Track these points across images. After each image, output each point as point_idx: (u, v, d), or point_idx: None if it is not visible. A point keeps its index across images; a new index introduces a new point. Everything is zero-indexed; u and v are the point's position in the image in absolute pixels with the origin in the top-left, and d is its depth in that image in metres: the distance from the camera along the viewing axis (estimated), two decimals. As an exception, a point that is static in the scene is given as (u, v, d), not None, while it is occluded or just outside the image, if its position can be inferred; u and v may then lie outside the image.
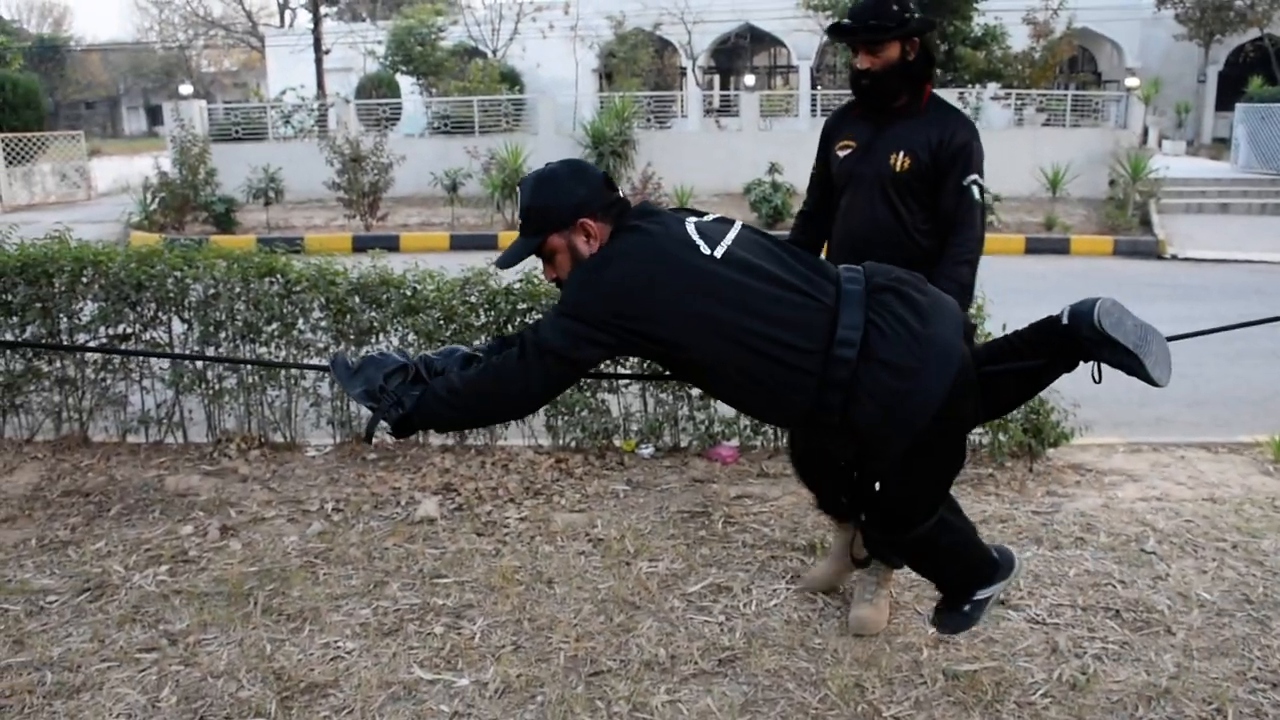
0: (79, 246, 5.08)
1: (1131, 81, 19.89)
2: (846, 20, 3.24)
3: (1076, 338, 2.56)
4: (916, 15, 3.24)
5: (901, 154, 3.23)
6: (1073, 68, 29.27)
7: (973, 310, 4.74)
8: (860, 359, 2.32)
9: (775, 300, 2.33)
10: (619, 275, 2.33)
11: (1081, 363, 2.61)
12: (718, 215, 2.52)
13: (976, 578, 2.83)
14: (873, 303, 2.38)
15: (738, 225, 2.48)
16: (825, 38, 23.42)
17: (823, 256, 3.50)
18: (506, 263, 2.54)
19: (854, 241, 3.31)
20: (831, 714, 2.90)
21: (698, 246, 2.36)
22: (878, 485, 2.61)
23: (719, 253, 2.36)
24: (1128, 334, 2.50)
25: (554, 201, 2.43)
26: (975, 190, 3.21)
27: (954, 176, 3.20)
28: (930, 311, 2.42)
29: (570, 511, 4.30)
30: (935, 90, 3.37)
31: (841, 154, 3.36)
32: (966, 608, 2.83)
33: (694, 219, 2.45)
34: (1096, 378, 2.63)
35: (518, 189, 2.54)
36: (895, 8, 3.17)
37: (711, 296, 2.31)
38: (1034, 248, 14.29)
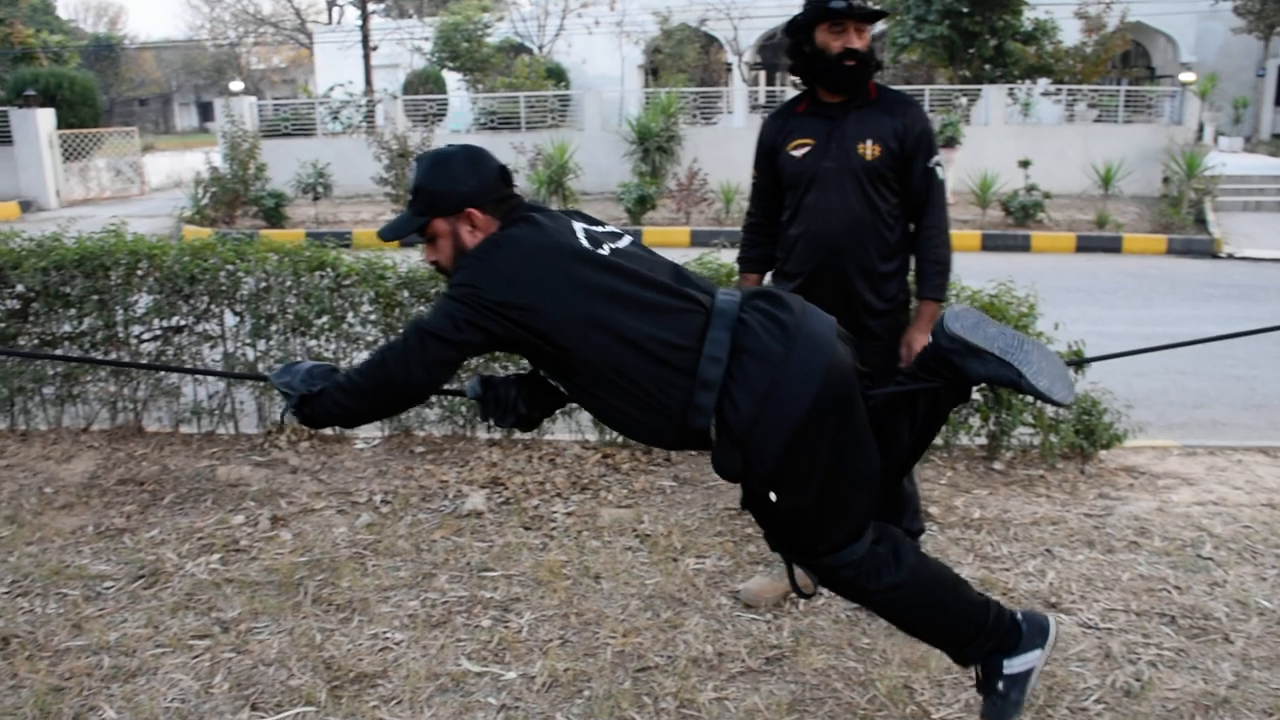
0: (135, 240, 5.16)
1: (1187, 76, 19.57)
2: (841, 3, 3.21)
3: (944, 354, 2.52)
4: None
5: (870, 143, 3.26)
6: (1125, 63, 28.86)
7: (1025, 309, 4.70)
8: (731, 355, 2.31)
9: (653, 302, 2.35)
10: (506, 260, 2.34)
11: (974, 388, 2.58)
12: (612, 228, 2.55)
13: (974, 638, 2.58)
14: (746, 305, 2.41)
15: (628, 237, 2.52)
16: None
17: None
18: (388, 235, 2.53)
19: (826, 237, 3.31)
20: (880, 715, 2.88)
21: (584, 243, 2.40)
22: (772, 495, 2.38)
23: (603, 252, 2.40)
24: (990, 339, 2.47)
25: (443, 187, 2.44)
26: (939, 171, 3.32)
27: (919, 161, 3.30)
28: (802, 310, 2.43)
29: (617, 507, 4.31)
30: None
31: (798, 153, 3.35)
32: (1001, 686, 2.59)
33: (584, 223, 2.50)
34: (989, 398, 2.59)
35: (413, 163, 2.54)
36: None
37: (593, 291, 2.32)
38: (1085, 246, 14.09)
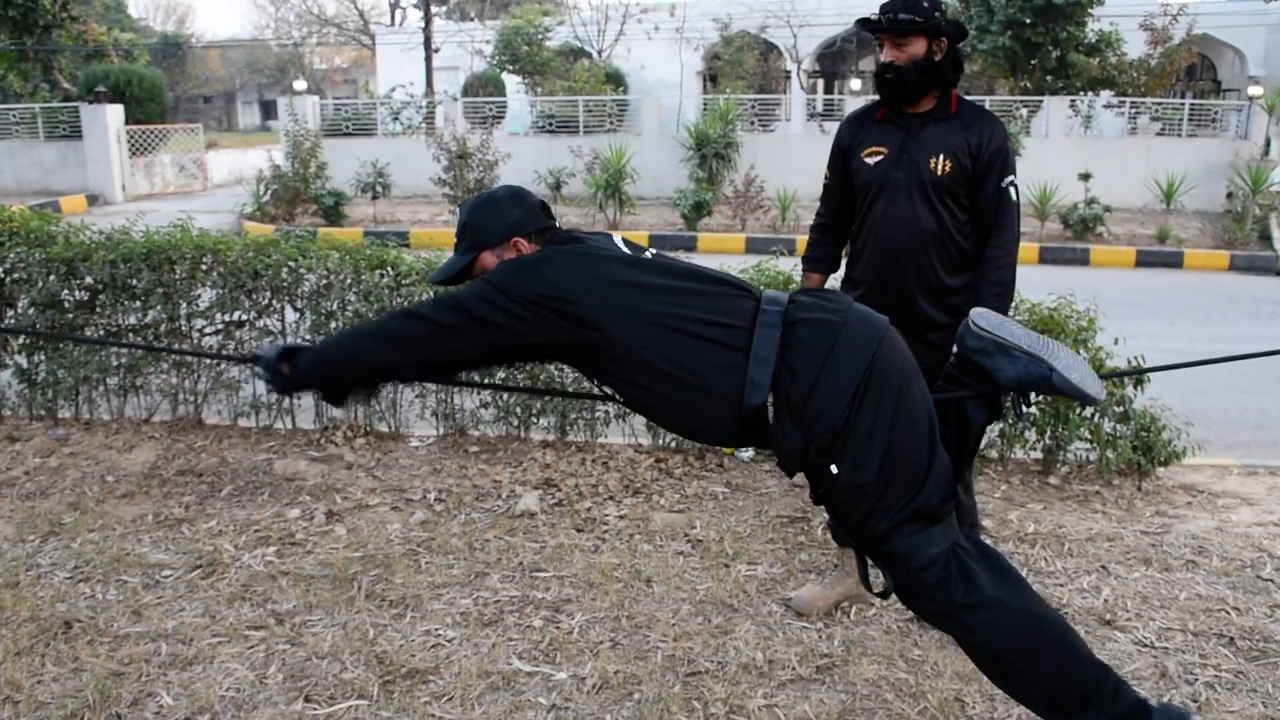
0: (200, 235, 5.26)
1: (1255, 90, 19.21)
2: (875, 14, 3.23)
3: (971, 359, 2.49)
4: (949, 20, 3.24)
5: (941, 158, 3.24)
6: (1191, 76, 28.37)
7: (1084, 324, 4.64)
8: (785, 328, 2.31)
9: (701, 289, 2.40)
10: (551, 268, 2.37)
11: (1006, 401, 2.56)
12: (640, 246, 2.59)
13: (1083, 705, 2.28)
14: (793, 295, 2.44)
15: (652, 250, 2.56)
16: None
17: (841, 267, 3.57)
18: (439, 278, 2.58)
19: (893, 247, 3.30)
20: (930, 728, 2.86)
21: (625, 251, 2.47)
22: (834, 468, 2.28)
23: (644, 255, 2.48)
24: (1017, 337, 2.43)
25: (490, 221, 2.53)
26: (1013, 191, 3.27)
27: (992, 179, 3.25)
28: (849, 299, 2.47)
29: (669, 511, 4.31)
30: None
31: (870, 161, 3.34)
32: None
33: (618, 239, 2.56)
34: (1019, 410, 2.54)
35: (457, 208, 2.59)
36: (926, 5, 3.18)
37: (639, 287, 2.36)
38: (1144, 260, 13.88)
